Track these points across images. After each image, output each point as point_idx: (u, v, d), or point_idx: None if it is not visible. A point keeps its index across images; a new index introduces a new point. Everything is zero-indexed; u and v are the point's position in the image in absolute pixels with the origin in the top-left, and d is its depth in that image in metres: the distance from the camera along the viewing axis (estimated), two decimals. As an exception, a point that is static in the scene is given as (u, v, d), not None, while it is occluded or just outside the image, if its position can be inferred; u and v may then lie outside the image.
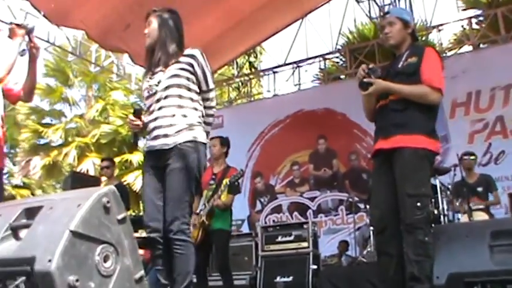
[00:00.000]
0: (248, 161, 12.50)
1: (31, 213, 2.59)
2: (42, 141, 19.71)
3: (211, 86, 3.93)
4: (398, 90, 4.01)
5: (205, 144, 3.88)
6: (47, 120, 20.03)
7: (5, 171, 4.45)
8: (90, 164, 18.06)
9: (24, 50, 4.26)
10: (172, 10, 4.09)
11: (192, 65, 3.83)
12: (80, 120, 19.90)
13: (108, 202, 2.51)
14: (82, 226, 2.36)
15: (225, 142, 7.09)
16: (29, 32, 4.31)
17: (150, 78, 3.94)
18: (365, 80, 4.07)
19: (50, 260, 2.23)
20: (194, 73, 3.84)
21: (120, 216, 2.56)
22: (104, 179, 8.65)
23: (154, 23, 3.97)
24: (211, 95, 3.97)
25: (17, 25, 4.29)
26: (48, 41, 11.48)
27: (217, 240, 6.68)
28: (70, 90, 20.15)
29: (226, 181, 6.69)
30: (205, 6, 9.30)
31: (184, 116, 3.78)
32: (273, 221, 11.83)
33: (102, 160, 8.98)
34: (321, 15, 12.81)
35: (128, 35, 10.57)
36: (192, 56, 3.86)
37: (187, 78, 3.82)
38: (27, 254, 2.35)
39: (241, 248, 8.87)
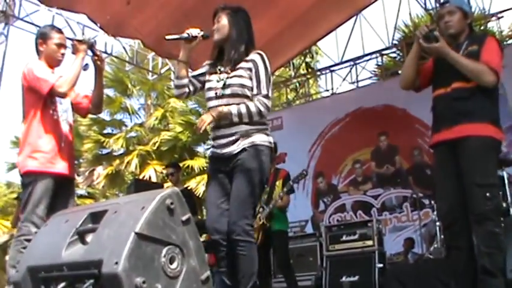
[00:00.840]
0: (309, 162, 12.41)
1: (97, 217, 2.63)
2: (104, 151, 20.11)
3: (264, 91, 3.78)
4: (456, 58, 3.89)
5: (270, 147, 3.83)
6: (108, 130, 20.41)
7: None
8: (152, 172, 18.32)
9: (87, 64, 4.39)
10: (241, 8, 4.04)
11: (251, 70, 3.79)
12: (140, 128, 20.20)
13: (171, 204, 2.52)
14: (147, 228, 2.37)
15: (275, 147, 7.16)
16: (91, 46, 4.45)
17: (216, 77, 3.90)
18: (435, 32, 3.93)
19: (116, 263, 2.25)
20: (252, 78, 3.80)
21: (184, 218, 2.57)
22: (168, 185, 8.74)
23: (224, 19, 3.92)
24: (262, 99, 3.79)
25: (79, 41, 4.44)
26: (105, 52, 11.69)
27: (277, 241, 6.76)
28: (129, 100, 20.50)
29: (280, 182, 6.76)
30: (258, 9, 9.28)
31: (245, 121, 3.75)
32: (337, 220, 11.70)
33: (167, 166, 9.07)
34: (376, 10, 12.62)
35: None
36: (252, 61, 3.82)
37: (250, 83, 3.79)
38: (94, 257, 2.38)
39: (305, 248, 8.83)
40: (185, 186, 8.06)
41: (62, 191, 4.31)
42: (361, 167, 11.98)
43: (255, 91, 3.78)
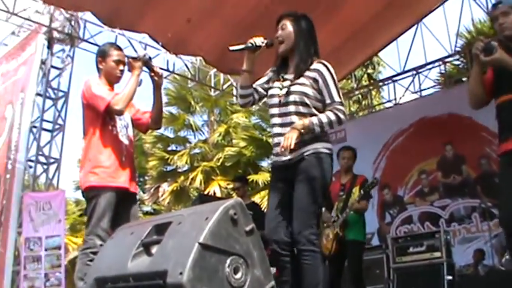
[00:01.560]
0: (374, 173, 12.25)
1: (161, 229, 2.65)
2: (169, 168, 20.40)
3: (337, 98, 3.75)
4: None
5: (330, 155, 3.79)
6: (172, 147, 20.72)
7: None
8: (217, 188, 18.46)
9: (141, 80, 4.44)
10: (306, 15, 4.02)
11: (316, 80, 3.77)
12: (203, 145, 20.40)
13: (235, 214, 2.52)
14: (211, 238, 2.38)
15: (356, 154, 7.09)
16: (146, 62, 4.49)
17: (279, 84, 3.90)
18: (492, 43, 3.75)
19: (181, 273, 2.26)
20: (318, 88, 3.77)
21: (248, 228, 2.57)
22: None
23: (289, 27, 3.90)
24: (337, 107, 3.75)
25: (133, 58, 4.50)
26: (167, 70, 11.89)
27: (351, 251, 6.60)
28: (192, 117, 20.75)
29: (356, 189, 6.64)
30: (319, 20, 9.22)
31: (313, 132, 3.73)
32: (404, 232, 11.51)
33: (233, 180, 9.09)
34: (437, 17, 12.41)
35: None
36: (317, 71, 3.79)
37: (313, 93, 3.76)
38: (159, 268, 2.40)
39: (372, 261, 8.70)
40: (251, 200, 8.02)
41: (124, 204, 4.36)
42: (427, 177, 11.77)
43: (327, 100, 3.75)
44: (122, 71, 4.58)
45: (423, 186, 11.79)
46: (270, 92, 3.94)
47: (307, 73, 3.79)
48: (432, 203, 11.54)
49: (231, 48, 3.85)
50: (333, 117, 3.69)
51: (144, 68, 4.50)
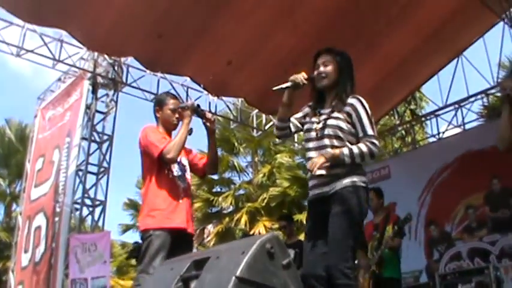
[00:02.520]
0: (420, 210, 12.10)
1: (199, 264, 2.68)
2: (213, 210, 20.49)
3: (369, 132, 3.75)
4: None
5: (365, 188, 3.78)
6: (217, 189, 20.80)
7: None
8: (262, 228, 18.40)
9: (191, 129, 4.55)
10: (345, 52, 4.05)
11: (350, 114, 3.78)
12: (248, 186, 20.44)
13: (271, 248, 2.53)
14: (247, 272, 2.39)
15: (381, 194, 7.11)
16: (195, 110, 4.62)
17: (316, 119, 3.92)
18: None
19: (218, 307, 2.27)
20: (352, 122, 3.79)
21: (285, 262, 2.57)
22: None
23: (331, 64, 3.93)
24: (370, 140, 3.74)
25: (182, 108, 4.65)
26: (210, 112, 11.97)
27: None
28: (236, 158, 20.87)
29: (390, 227, 6.60)
30: (360, 58, 9.25)
31: (343, 162, 3.74)
32: (453, 269, 11.28)
33: (279, 219, 9.05)
34: (477, 49, 12.31)
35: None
36: (351, 105, 3.81)
37: (347, 127, 3.77)
38: (197, 303, 2.41)
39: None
40: (298, 238, 7.97)
41: (180, 244, 4.39)
42: (475, 212, 11.53)
43: (360, 134, 3.75)
44: (178, 119, 4.72)
45: (471, 222, 11.55)
46: (306, 126, 3.97)
47: (344, 108, 3.81)
48: (481, 238, 11.29)
49: (274, 88, 3.90)
50: (364, 148, 3.69)
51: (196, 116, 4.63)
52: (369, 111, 3.79)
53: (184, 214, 4.51)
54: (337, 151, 3.70)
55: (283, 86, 3.90)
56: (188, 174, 4.76)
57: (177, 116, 4.71)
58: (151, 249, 4.26)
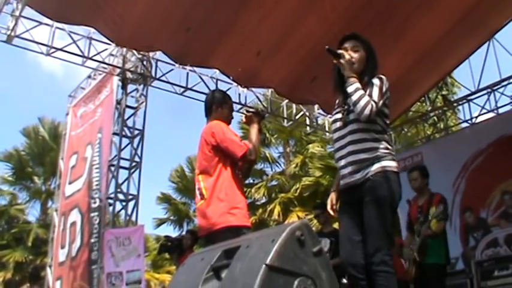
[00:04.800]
0: (454, 196, 11.98)
1: (230, 253, 2.67)
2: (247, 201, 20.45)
3: (374, 98, 3.67)
4: None
5: (397, 172, 3.73)
6: (249, 180, 20.77)
7: None
8: (295, 218, 18.39)
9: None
10: (369, 41, 4.01)
11: (370, 95, 3.75)
12: (280, 176, 20.45)
13: (301, 235, 2.51)
14: (278, 260, 2.37)
15: (426, 173, 6.91)
16: (263, 118, 4.81)
17: (341, 108, 3.90)
18: None
19: (249, 295, 2.26)
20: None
21: (315, 249, 2.55)
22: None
23: (362, 51, 3.90)
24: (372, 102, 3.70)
25: (255, 113, 4.81)
26: (240, 103, 12.00)
27: (432, 276, 6.40)
28: (268, 149, 20.87)
29: (433, 209, 6.45)
30: (387, 46, 9.22)
31: (372, 147, 3.70)
32: (489, 256, 11.13)
33: (314, 208, 9.04)
34: (509, 31, 12.07)
35: (316, 86, 10.76)
36: (371, 83, 3.78)
37: None
38: (228, 291, 2.40)
39: (455, 286, 8.44)
40: (333, 227, 7.91)
41: None
42: (511, 197, 11.39)
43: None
44: (232, 119, 4.91)
45: (507, 207, 11.40)
46: (334, 117, 3.94)
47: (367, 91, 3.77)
48: (518, 224, 11.15)
49: (327, 46, 3.85)
50: (364, 100, 3.65)
51: None
52: (384, 87, 3.74)
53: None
54: (354, 78, 3.76)
55: (336, 51, 3.85)
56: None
57: (232, 116, 4.89)
58: None
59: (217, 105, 4.84)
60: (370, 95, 3.68)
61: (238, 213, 4.43)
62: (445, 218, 6.62)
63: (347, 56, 3.79)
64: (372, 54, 3.92)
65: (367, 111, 3.62)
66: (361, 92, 3.67)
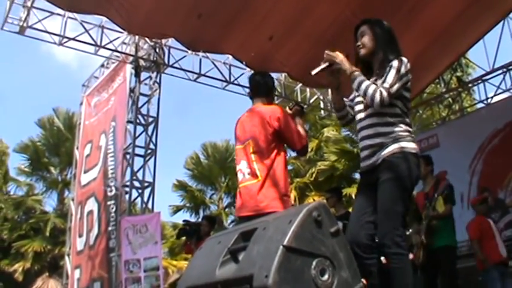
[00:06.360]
0: (471, 178, 11.91)
1: (247, 235, 2.67)
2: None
3: (386, 84, 3.57)
4: None
5: (415, 154, 3.68)
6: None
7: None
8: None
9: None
10: (382, 20, 3.97)
11: (384, 80, 3.69)
12: (295, 161, 20.41)
13: (319, 216, 2.50)
14: (295, 241, 2.37)
15: (429, 160, 6.93)
16: (303, 113, 4.84)
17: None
18: None
19: (266, 276, 2.26)
20: None
21: (332, 229, 2.54)
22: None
23: (368, 33, 3.86)
24: (381, 88, 3.59)
25: (301, 106, 4.83)
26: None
27: (442, 257, 6.37)
28: (284, 133, 20.79)
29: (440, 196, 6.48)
30: (400, 28, 9.08)
31: (390, 128, 3.66)
32: (508, 236, 11.07)
33: (327, 191, 9.09)
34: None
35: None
36: (390, 66, 3.72)
37: None
38: (245, 273, 2.41)
39: (473, 268, 8.39)
40: (346, 210, 7.93)
41: None
42: (529, 177, 11.31)
43: (379, 81, 3.67)
44: None
45: (525, 188, 11.34)
46: (356, 99, 3.88)
47: (384, 72, 3.72)
48: (536, 205, 11.07)
49: (312, 72, 3.83)
50: (370, 90, 3.59)
51: None
52: (403, 69, 3.63)
53: None
54: (355, 73, 3.69)
55: (320, 68, 3.80)
56: None
57: None
58: None
59: (270, 90, 4.89)
60: (384, 80, 3.61)
61: (287, 201, 4.43)
62: (452, 203, 6.67)
63: (337, 56, 3.73)
64: (381, 32, 3.86)
65: (377, 99, 3.56)
66: (366, 82, 3.62)
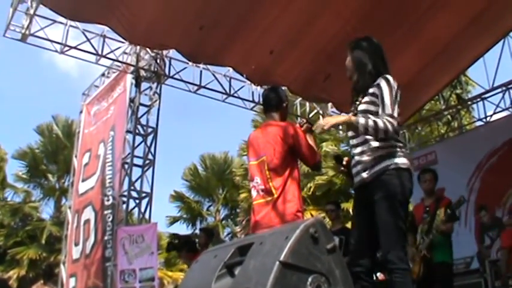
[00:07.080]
0: (469, 195, 11.88)
1: (243, 250, 2.67)
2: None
3: (387, 110, 3.63)
4: None
5: (407, 169, 3.70)
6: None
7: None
8: (309, 217, 18.31)
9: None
10: (366, 38, 4.00)
11: (376, 95, 3.71)
12: (295, 175, 20.36)
13: (315, 232, 2.50)
14: (291, 257, 2.37)
15: (437, 176, 6.93)
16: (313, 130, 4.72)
17: (353, 108, 3.88)
18: None
19: (262, 292, 2.25)
20: (376, 103, 3.73)
21: (329, 246, 2.54)
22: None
23: (348, 57, 3.95)
24: (386, 117, 3.62)
25: (310, 123, 4.75)
26: (253, 101, 12.02)
27: (440, 274, 6.40)
28: (281, 147, 20.78)
29: (441, 211, 6.48)
30: (400, 46, 9.18)
31: (381, 144, 3.68)
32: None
33: (327, 203, 9.07)
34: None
35: (329, 85, 10.75)
36: (377, 85, 3.75)
37: (375, 108, 3.70)
38: (240, 288, 2.40)
39: (469, 285, 8.41)
40: (343, 225, 7.94)
41: None
42: (527, 196, 11.31)
43: (380, 111, 3.68)
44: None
45: (523, 206, 11.33)
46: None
47: (370, 90, 3.76)
48: (534, 223, 11.05)
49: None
50: (381, 124, 3.58)
51: None
52: (394, 90, 3.69)
53: None
54: (353, 118, 3.67)
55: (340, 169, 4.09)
56: None
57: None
58: None
59: (282, 102, 4.82)
60: (384, 108, 3.65)
61: (301, 217, 4.41)
62: (455, 220, 6.73)
63: (325, 123, 3.69)
64: (360, 52, 3.92)
65: (390, 129, 3.59)
66: (369, 122, 3.60)
